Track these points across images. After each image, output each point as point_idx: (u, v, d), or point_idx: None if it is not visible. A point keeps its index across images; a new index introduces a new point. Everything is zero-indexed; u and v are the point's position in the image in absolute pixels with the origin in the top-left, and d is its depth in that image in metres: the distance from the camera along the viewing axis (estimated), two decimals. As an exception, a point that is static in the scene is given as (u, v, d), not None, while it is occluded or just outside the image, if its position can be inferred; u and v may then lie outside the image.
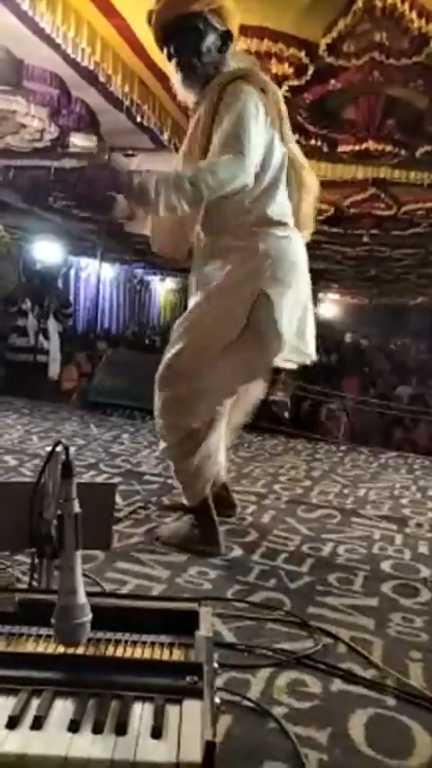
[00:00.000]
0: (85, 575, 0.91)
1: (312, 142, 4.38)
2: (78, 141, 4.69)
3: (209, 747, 0.71)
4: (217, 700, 0.81)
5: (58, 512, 0.91)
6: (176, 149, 3.40)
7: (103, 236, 7.40)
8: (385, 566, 2.02)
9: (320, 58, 3.34)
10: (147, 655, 0.92)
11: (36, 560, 1.27)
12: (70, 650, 0.90)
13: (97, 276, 7.43)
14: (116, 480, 2.69)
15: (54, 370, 7.29)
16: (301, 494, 2.82)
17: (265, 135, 1.83)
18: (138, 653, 0.92)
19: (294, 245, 1.95)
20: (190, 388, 1.88)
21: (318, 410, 7.24)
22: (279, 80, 3.53)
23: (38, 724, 0.76)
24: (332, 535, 2.28)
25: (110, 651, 0.92)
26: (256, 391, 2.25)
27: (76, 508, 0.90)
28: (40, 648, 0.92)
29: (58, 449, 1.01)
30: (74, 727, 0.76)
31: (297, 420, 7.03)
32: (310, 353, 2.01)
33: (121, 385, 4.85)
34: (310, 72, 3.48)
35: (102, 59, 3.31)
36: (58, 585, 0.90)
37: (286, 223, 1.94)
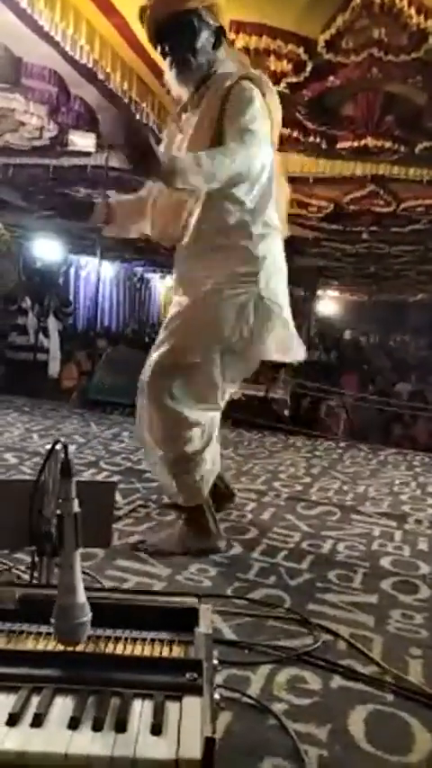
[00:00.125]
0: (84, 572, 0.91)
1: (311, 139, 4.37)
2: (77, 139, 4.68)
3: (208, 744, 0.71)
4: (217, 696, 0.81)
5: (58, 510, 0.91)
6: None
7: (103, 235, 7.39)
8: (385, 562, 2.03)
9: (319, 55, 3.33)
10: (146, 652, 0.92)
11: (36, 558, 1.27)
12: (70, 648, 0.90)
13: (97, 274, 7.42)
14: (116, 478, 2.69)
15: (54, 368, 7.29)
16: (300, 491, 2.83)
17: (268, 136, 1.87)
18: (137, 650, 0.93)
19: (282, 251, 2.02)
20: (182, 388, 1.88)
21: (317, 407, 7.24)
22: (278, 77, 3.52)
23: (38, 721, 0.76)
24: (332, 532, 2.28)
25: (110, 648, 0.92)
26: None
27: (76, 507, 0.90)
28: (41, 646, 0.92)
29: (58, 447, 1.01)
30: (74, 724, 0.76)
31: (296, 417, 7.03)
32: (297, 354, 2.06)
33: (121, 383, 4.85)
34: (309, 69, 3.48)
35: (100, 57, 3.31)
36: (57, 584, 0.90)
37: (277, 227, 1.98)
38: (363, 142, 4.23)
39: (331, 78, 3.64)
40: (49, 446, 1.11)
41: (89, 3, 2.98)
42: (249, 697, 1.21)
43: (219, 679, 1.13)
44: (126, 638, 0.94)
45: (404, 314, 17.93)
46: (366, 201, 5.86)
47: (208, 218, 1.89)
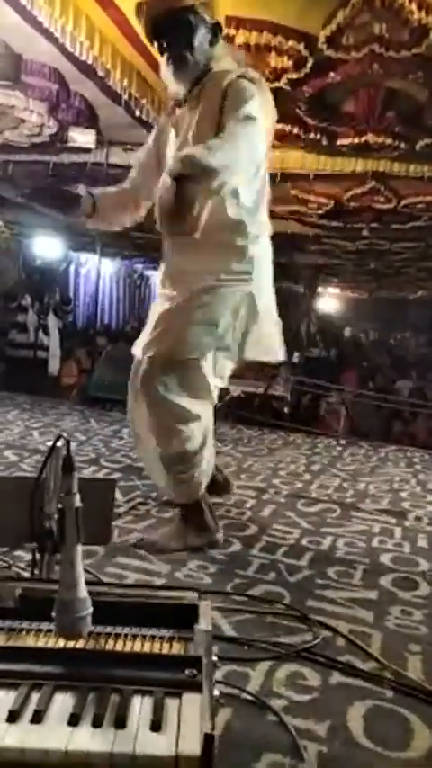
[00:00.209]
0: (85, 569, 0.91)
1: (312, 135, 4.36)
2: (77, 136, 4.67)
3: (208, 740, 0.72)
4: (216, 693, 0.81)
5: (59, 506, 0.92)
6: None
7: (103, 232, 7.38)
8: (384, 559, 2.03)
9: (320, 51, 3.32)
10: (146, 648, 0.93)
11: (37, 555, 1.28)
12: (70, 644, 0.91)
13: (97, 271, 7.42)
14: (116, 476, 2.69)
15: (54, 365, 7.30)
16: (300, 488, 2.83)
17: (265, 133, 1.89)
18: (137, 646, 0.93)
19: (271, 251, 2.05)
20: (177, 384, 1.88)
21: (317, 404, 7.25)
22: (278, 73, 3.51)
23: (38, 718, 0.77)
24: (332, 529, 2.28)
25: (109, 645, 0.93)
26: None
27: (78, 502, 0.90)
28: (40, 643, 0.92)
29: (60, 443, 1.01)
30: (74, 720, 0.77)
31: (296, 414, 7.04)
32: (278, 354, 2.13)
33: (121, 380, 4.81)
34: (310, 65, 3.47)
35: (100, 53, 3.30)
36: (59, 578, 0.90)
37: (269, 227, 2.01)
38: (363, 139, 4.22)
39: (332, 74, 3.63)
40: (49, 443, 1.11)
41: (89, -1, 2.97)
42: (249, 693, 1.21)
43: (218, 675, 1.14)
44: (126, 635, 0.95)
45: (404, 311, 17.90)
46: (367, 198, 5.84)
47: (214, 213, 1.89)
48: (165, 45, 1.87)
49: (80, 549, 0.89)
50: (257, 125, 1.79)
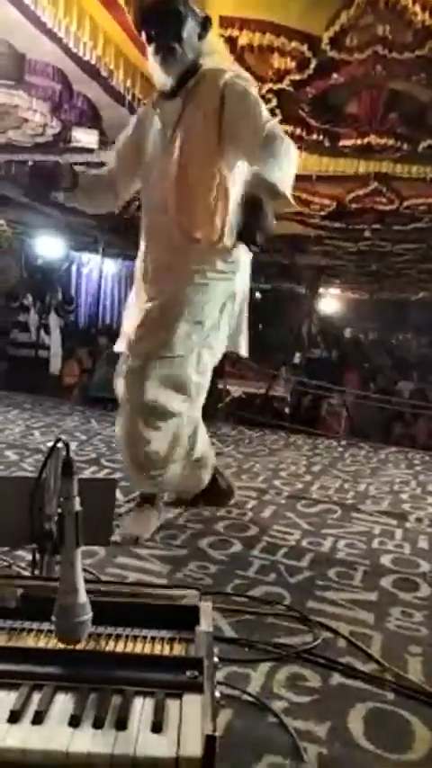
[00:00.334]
0: (85, 570, 0.91)
1: (314, 136, 4.36)
2: (80, 136, 4.67)
3: (209, 742, 0.72)
4: (217, 694, 0.81)
5: (59, 509, 0.91)
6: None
7: (105, 232, 7.39)
8: (385, 560, 2.03)
9: (323, 52, 3.32)
10: (147, 650, 0.92)
11: (37, 556, 1.28)
12: (71, 645, 0.90)
13: (99, 271, 7.43)
14: (117, 476, 2.69)
15: (55, 365, 7.31)
16: (301, 489, 2.83)
17: None
18: (138, 648, 0.93)
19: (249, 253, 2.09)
20: (166, 380, 1.90)
21: (318, 405, 7.25)
22: (281, 74, 3.51)
23: (39, 719, 0.77)
24: (332, 530, 2.28)
25: (110, 646, 0.92)
26: None
27: (77, 506, 0.90)
28: (41, 643, 0.92)
29: (59, 446, 1.01)
30: (74, 721, 0.76)
31: (297, 415, 7.04)
32: (245, 349, 2.21)
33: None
34: (313, 66, 3.46)
35: (104, 54, 3.30)
36: (58, 582, 0.90)
37: None
38: (366, 140, 4.21)
39: (335, 76, 3.62)
40: (49, 443, 1.11)
41: (93, -1, 2.97)
42: (249, 694, 1.21)
43: (219, 676, 1.14)
44: (127, 636, 0.94)
45: (406, 312, 17.87)
46: (369, 199, 5.83)
47: (208, 213, 1.91)
48: (153, 34, 1.85)
49: (80, 553, 0.89)
50: (278, 126, 1.84)
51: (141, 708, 0.80)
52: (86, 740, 0.74)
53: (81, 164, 5.47)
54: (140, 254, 2.08)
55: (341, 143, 4.40)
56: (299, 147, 4.59)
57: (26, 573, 1.58)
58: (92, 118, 4.47)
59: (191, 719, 0.77)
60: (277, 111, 3.81)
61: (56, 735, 0.75)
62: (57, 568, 1.20)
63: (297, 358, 9.91)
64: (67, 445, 0.93)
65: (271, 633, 1.46)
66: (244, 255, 2.01)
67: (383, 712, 1.21)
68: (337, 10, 3.01)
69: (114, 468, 2.83)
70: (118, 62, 3.42)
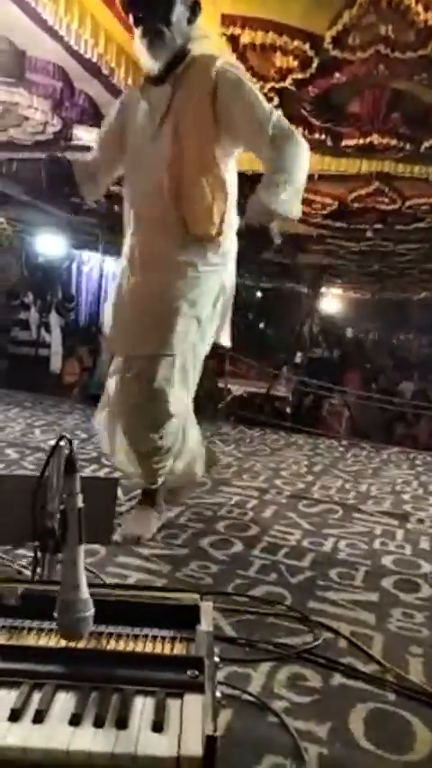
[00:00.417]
0: (86, 569, 0.91)
1: (316, 136, 4.35)
2: (81, 134, 4.66)
3: (210, 742, 0.71)
4: (218, 694, 0.81)
5: (61, 506, 0.91)
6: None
7: (106, 230, 7.39)
8: (386, 561, 2.02)
9: (325, 51, 3.31)
10: (148, 649, 0.92)
11: (38, 554, 1.27)
12: (72, 644, 0.90)
13: (100, 269, 7.42)
14: (117, 474, 2.68)
15: (56, 363, 7.31)
16: (302, 489, 2.83)
17: None
18: (139, 647, 0.93)
19: (236, 247, 2.09)
20: (168, 375, 1.90)
21: (319, 405, 7.25)
22: (283, 73, 3.50)
23: (39, 717, 0.76)
24: (333, 530, 2.28)
25: (111, 645, 0.92)
26: None
27: (80, 503, 0.90)
28: (42, 642, 0.92)
29: (62, 443, 1.00)
30: (75, 720, 0.76)
31: (298, 415, 7.03)
32: (228, 340, 2.21)
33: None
34: (315, 65, 3.45)
35: (105, 51, 3.29)
36: (60, 579, 0.90)
37: (236, 221, 2.04)
38: (368, 139, 4.21)
39: (337, 75, 3.61)
40: (51, 442, 1.11)
41: (94, -4, 2.97)
42: (250, 694, 1.21)
43: (219, 676, 1.13)
44: (128, 635, 0.94)
45: (408, 312, 17.86)
46: (371, 199, 5.83)
47: (203, 206, 1.90)
48: (140, 17, 1.82)
49: (82, 549, 0.89)
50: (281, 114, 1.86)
51: (142, 707, 0.80)
52: (87, 739, 0.74)
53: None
54: (127, 241, 2.05)
55: (343, 142, 4.39)
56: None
57: (28, 572, 1.58)
58: (93, 116, 4.45)
59: (192, 719, 0.77)
60: (279, 109, 3.81)
61: (56, 733, 0.74)
62: (58, 567, 1.20)
63: (298, 357, 9.90)
64: (70, 442, 0.93)
65: (272, 633, 1.46)
66: (232, 248, 2.01)
67: (384, 713, 1.21)
68: (340, 9, 3.01)
69: (115, 467, 2.83)
70: (119, 60, 3.41)
